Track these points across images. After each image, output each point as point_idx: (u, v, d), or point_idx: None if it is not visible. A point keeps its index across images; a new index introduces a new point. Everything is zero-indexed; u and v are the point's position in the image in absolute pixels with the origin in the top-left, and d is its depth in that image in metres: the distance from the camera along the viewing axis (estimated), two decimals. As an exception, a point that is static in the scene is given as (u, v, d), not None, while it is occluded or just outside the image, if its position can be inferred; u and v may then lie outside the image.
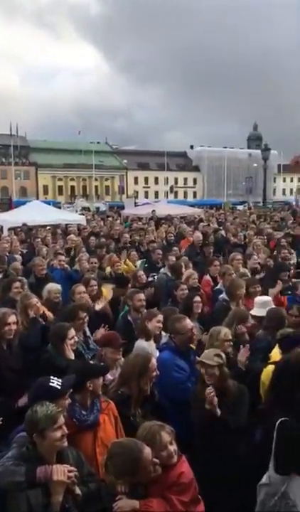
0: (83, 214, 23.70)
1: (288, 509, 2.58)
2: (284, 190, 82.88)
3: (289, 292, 6.35)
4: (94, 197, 64.57)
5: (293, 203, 23.05)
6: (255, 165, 66.77)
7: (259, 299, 5.39)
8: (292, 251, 9.91)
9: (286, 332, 4.19)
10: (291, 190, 79.79)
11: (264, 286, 6.33)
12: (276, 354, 3.97)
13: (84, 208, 34.00)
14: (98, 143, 76.88)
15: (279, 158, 75.74)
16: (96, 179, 71.62)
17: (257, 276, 7.06)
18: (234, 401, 3.48)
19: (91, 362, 3.93)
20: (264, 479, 2.82)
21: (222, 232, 12.95)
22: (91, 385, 3.03)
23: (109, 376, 3.74)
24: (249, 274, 7.03)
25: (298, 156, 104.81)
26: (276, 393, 2.99)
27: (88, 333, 4.93)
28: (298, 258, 9.62)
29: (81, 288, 5.88)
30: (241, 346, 4.25)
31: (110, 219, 20.73)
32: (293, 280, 6.71)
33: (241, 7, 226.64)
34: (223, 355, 3.58)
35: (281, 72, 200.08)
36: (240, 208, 30.48)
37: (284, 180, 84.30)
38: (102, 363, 3.76)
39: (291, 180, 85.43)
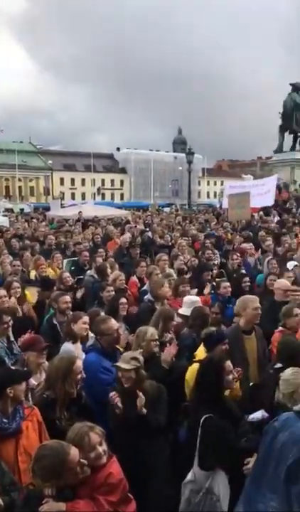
0: (6, 215, 22.86)
1: (212, 504, 2.66)
2: (208, 193, 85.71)
3: (212, 291, 6.58)
4: (17, 198, 62.55)
5: (217, 206, 23.83)
6: (180, 168, 68.46)
7: (188, 298, 5.53)
8: (216, 251, 10.30)
9: (210, 331, 4.33)
10: (215, 193, 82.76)
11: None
12: (201, 352, 4.09)
13: (7, 210, 32.78)
14: (21, 142, 74.53)
15: (203, 162, 78.30)
16: (20, 179, 69.43)
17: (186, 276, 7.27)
18: (152, 400, 3.48)
19: (12, 367, 3.79)
20: (189, 476, 2.87)
21: (149, 234, 13.15)
22: (11, 391, 2.92)
23: (33, 381, 3.63)
24: (174, 275, 7.20)
25: (221, 161, 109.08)
26: (200, 391, 3.07)
27: (12, 337, 4.77)
28: (221, 258, 10.01)
29: (2, 292, 5.68)
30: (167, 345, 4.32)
31: (35, 221, 20.20)
32: (216, 279, 6.95)
33: (167, 9, 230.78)
34: (141, 358, 3.55)
35: (206, 78, 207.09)
36: (167, 209, 31.02)
37: (208, 184, 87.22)
38: (24, 368, 3.64)
39: (215, 184, 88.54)
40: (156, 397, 3.53)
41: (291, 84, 25.98)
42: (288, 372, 3.14)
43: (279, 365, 3.66)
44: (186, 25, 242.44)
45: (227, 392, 3.35)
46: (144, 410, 3.38)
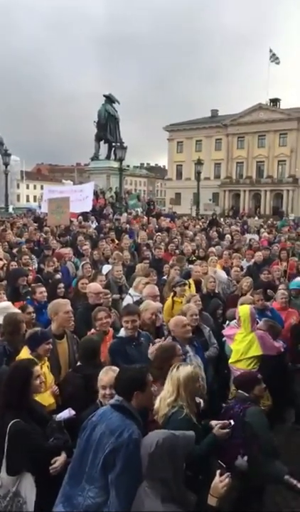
0: None
1: (18, 507, 2.69)
2: (27, 196, 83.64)
3: (28, 297, 6.53)
4: None
5: (36, 210, 23.45)
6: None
7: (-1, 304, 5.38)
8: (33, 256, 10.20)
9: (34, 330, 4.35)
10: (35, 197, 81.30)
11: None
12: (25, 353, 4.06)
13: None
14: None
15: (22, 165, 76.19)
16: None
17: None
18: None
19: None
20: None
21: None
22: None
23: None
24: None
25: (40, 164, 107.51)
26: (6, 395, 3.06)
27: None
28: (40, 264, 9.96)
29: None
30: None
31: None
32: (33, 285, 6.91)
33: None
34: None
35: (24, 78, 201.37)
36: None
37: (28, 187, 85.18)
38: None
39: (35, 188, 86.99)
40: None
41: (104, 96, 27.20)
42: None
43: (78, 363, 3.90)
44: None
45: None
46: None
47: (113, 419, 2.74)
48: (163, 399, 3.33)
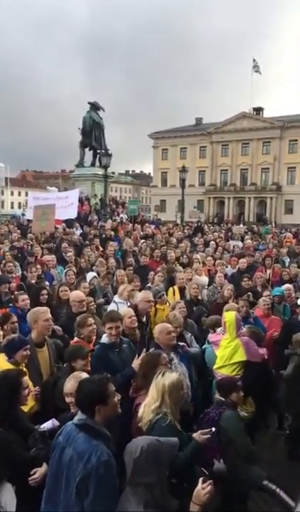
0: None
1: (-1, 515, 2.65)
2: (12, 203, 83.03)
3: (10, 305, 6.48)
4: None
5: (20, 217, 23.26)
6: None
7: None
8: (16, 263, 10.13)
9: (11, 337, 4.31)
10: (20, 203, 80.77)
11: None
12: (1, 360, 4.02)
13: None
14: None
15: (7, 171, 75.70)
16: None
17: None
18: None
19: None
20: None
21: None
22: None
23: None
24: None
25: (25, 171, 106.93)
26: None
27: None
28: (22, 271, 9.89)
29: None
30: None
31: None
32: (15, 293, 6.86)
33: None
34: None
35: (15, 82, 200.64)
36: None
37: (12, 194, 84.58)
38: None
39: (20, 194, 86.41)
40: None
41: (89, 103, 27.23)
42: None
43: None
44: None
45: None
46: None
47: (79, 441, 2.65)
48: (148, 405, 3.32)
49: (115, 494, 2.51)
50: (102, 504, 2.48)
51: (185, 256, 11.41)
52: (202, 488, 2.54)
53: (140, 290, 7.20)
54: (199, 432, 3.34)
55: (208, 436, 3.31)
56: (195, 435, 3.33)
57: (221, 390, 4.09)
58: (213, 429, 3.41)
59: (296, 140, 60.25)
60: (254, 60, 64.54)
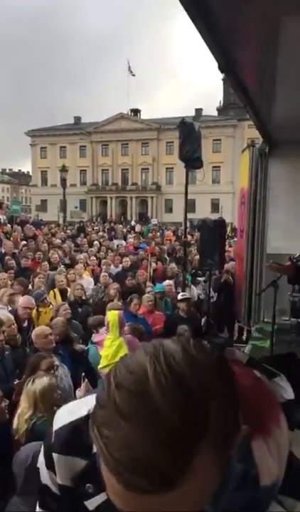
0: None
1: None
2: None
3: None
4: None
5: None
6: None
7: None
8: None
9: None
10: None
11: None
12: None
13: None
14: None
15: None
16: None
17: None
18: None
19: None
20: None
21: None
22: None
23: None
24: None
25: None
26: None
27: None
28: None
29: None
30: None
31: None
32: None
33: None
34: None
35: None
36: None
37: None
38: None
39: None
40: None
41: None
42: None
43: None
44: None
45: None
46: None
47: None
48: (21, 416, 3.21)
49: None
50: None
51: (67, 257, 11.26)
52: None
53: (23, 294, 6.92)
54: None
55: None
56: None
57: None
58: None
59: (173, 142, 63.20)
60: (128, 62, 66.26)
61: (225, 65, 3.58)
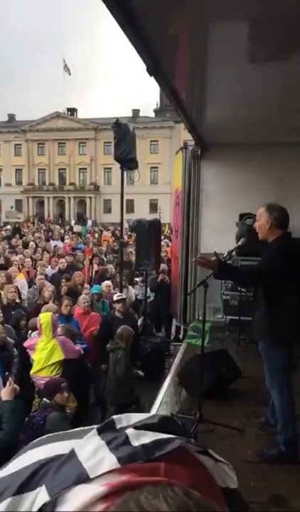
0: None
1: None
2: None
3: None
4: None
5: None
6: None
7: None
8: None
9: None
10: None
11: None
12: None
13: None
14: None
15: None
16: None
17: None
18: None
19: None
20: None
21: None
22: None
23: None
24: None
25: None
26: None
27: None
28: None
29: None
30: None
31: None
32: None
33: None
34: None
35: None
36: None
37: None
38: None
39: None
40: None
41: None
42: None
43: None
44: None
45: None
46: None
47: None
48: None
49: None
50: None
51: (1, 258, 10.91)
52: None
53: None
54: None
55: None
56: None
57: (45, 394, 4.05)
58: None
59: (110, 142, 62.81)
60: (64, 61, 65.32)
61: (154, 69, 3.64)
